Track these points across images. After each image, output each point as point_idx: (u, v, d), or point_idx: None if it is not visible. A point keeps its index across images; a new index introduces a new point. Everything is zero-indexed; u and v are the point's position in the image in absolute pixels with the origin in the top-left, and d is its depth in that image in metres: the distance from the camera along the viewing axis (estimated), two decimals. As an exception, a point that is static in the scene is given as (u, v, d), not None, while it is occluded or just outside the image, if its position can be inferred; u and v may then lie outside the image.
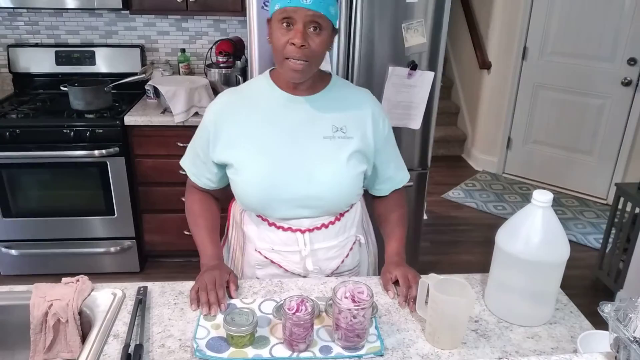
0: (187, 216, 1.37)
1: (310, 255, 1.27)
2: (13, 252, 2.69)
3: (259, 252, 1.31)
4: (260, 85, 1.27)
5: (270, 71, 1.28)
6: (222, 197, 1.40)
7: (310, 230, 1.27)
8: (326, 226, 1.28)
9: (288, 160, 1.21)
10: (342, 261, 1.34)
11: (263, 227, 1.29)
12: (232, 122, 1.24)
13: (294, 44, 1.10)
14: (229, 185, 1.32)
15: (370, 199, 1.45)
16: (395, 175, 1.40)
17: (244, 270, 1.37)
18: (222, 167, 1.29)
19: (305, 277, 1.30)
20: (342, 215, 1.30)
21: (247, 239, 1.34)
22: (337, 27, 1.18)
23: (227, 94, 1.30)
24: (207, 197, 1.37)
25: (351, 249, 1.35)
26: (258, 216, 1.28)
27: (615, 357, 0.85)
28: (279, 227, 1.27)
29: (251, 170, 1.22)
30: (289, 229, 1.26)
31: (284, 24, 1.11)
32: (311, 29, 1.11)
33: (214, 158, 1.27)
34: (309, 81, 1.22)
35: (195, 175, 1.34)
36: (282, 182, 1.21)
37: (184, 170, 1.37)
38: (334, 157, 1.22)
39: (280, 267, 1.31)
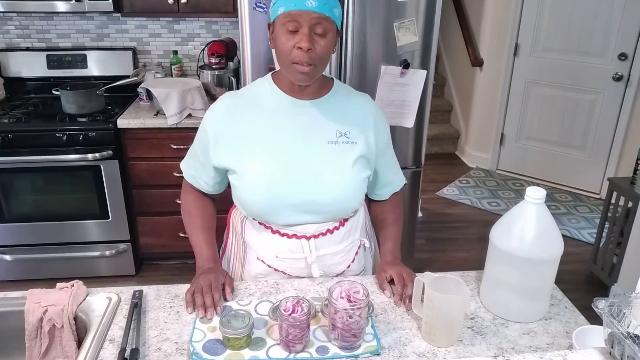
0: (183, 216, 1.36)
1: (316, 261, 1.26)
2: (7, 257, 2.67)
3: (262, 260, 1.29)
4: (262, 89, 1.25)
5: (272, 74, 1.26)
6: (218, 198, 1.39)
7: (315, 237, 1.25)
8: (331, 232, 1.27)
9: (293, 165, 1.19)
10: (348, 266, 1.33)
11: (266, 234, 1.26)
12: (234, 127, 1.22)
13: (300, 48, 1.08)
14: (226, 186, 1.31)
15: (367, 201, 1.44)
16: (394, 179, 1.40)
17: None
18: (222, 171, 1.27)
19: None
20: (346, 220, 1.29)
21: (249, 248, 1.32)
22: (340, 28, 1.16)
23: (227, 98, 1.27)
24: (203, 197, 1.36)
25: (356, 253, 1.35)
26: (261, 224, 1.26)
27: (610, 353, 0.86)
28: (283, 234, 1.25)
29: (256, 176, 1.19)
30: (294, 235, 1.24)
31: (289, 28, 1.09)
32: (317, 32, 1.10)
33: (214, 163, 1.24)
34: (313, 85, 1.20)
35: (192, 178, 1.33)
36: (288, 187, 1.19)
37: (180, 173, 1.36)
38: (339, 162, 1.21)
39: (285, 273, 1.29)
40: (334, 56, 2.18)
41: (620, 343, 0.81)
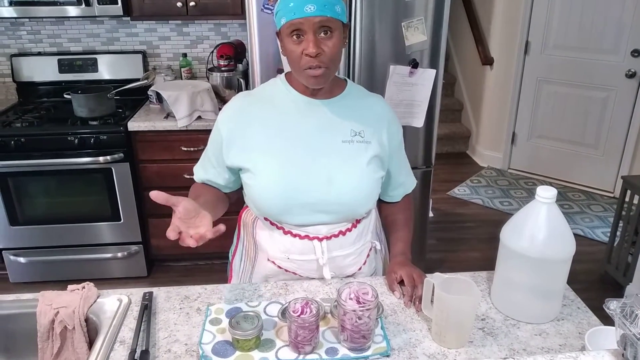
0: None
1: (328, 263, 1.25)
2: (21, 259, 2.70)
3: (272, 261, 1.29)
4: (276, 89, 1.25)
5: (285, 75, 1.26)
6: (234, 199, 1.37)
7: (327, 238, 1.24)
8: (343, 233, 1.26)
9: (308, 163, 1.19)
10: (360, 268, 1.32)
11: (277, 235, 1.26)
12: (248, 125, 1.21)
13: (309, 55, 1.09)
14: (239, 186, 1.30)
15: (377, 202, 1.43)
16: (406, 180, 1.40)
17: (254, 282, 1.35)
18: (235, 171, 1.26)
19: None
20: (358, 221, 1.28)
21: (260, 249, 1.31)
22: (346, 21, 1.16)
23: (240, 98, 1.27)
24: (215, 188, 1.31)
25: (368, 255, 1.34)
26: (273, 224, 1.26)
27: (623, 355, 0.84)
28: (295, 235, 1.24)
29: (270, 174, 1.19)
30: (306, 236, 1.24)
31: (294, 36, 1.10)
32: (322, 35, 1.10)
33: (227, 162, 1.24)
34: (327, 85, 1.20)
35: (205, 180, 1.32)
36: (302, 185, 1.18)
37: (191, 175, 1.34)
38: (354, 161, 1.21)
39: (296, 274, 1.29)
40: (342, 57, 2.17)
41: (633, 345, 0.79)
